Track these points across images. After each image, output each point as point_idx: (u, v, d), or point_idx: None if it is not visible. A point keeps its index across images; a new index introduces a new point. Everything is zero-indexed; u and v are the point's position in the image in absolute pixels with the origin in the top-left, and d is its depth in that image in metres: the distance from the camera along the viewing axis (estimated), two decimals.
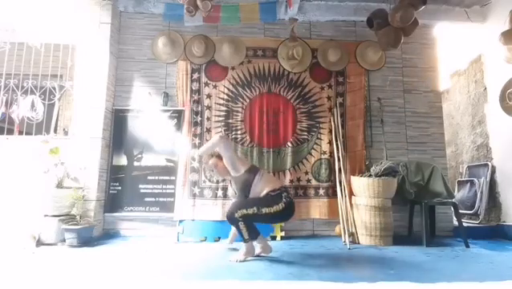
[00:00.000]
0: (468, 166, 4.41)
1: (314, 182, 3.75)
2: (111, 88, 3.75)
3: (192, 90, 3.88)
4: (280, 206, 2.51)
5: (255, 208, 2.48)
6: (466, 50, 4.57)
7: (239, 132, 3.82)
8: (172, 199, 3.63)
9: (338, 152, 3.66)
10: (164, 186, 3.67)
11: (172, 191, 3.65)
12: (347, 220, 3.39)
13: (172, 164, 3.72)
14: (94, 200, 3.38)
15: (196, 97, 3.87)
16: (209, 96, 3.87)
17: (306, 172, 3.77)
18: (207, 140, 3.77)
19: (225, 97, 3.88)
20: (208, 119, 3.83)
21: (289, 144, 3.81)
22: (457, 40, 4.72)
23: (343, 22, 4.11)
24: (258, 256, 2.65)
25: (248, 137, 3.81)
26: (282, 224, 3.55)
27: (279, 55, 3.95)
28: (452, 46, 4.78)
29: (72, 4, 3.68)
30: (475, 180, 4.06)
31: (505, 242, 3.48)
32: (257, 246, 2.65)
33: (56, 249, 2.92)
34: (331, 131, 3.81)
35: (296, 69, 3.92)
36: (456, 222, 3.48)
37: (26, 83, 3.66)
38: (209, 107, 3.85)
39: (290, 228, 3.61)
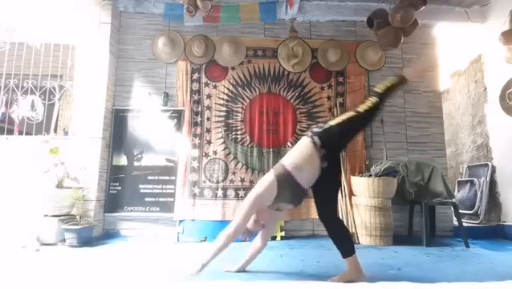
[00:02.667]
0: (468, 166, 4.41)
1: None
2: (111, 88, 3.75)
3: (192, 90, 3.88)
4: None
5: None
6: (466, 50, 4.56)
7: (239, 133, 3.81)
8: (172, 199, 3.63)
9: None
10: (164, 186, 3.67)
11: (172, 191, 3.65)
12: (347, 220, 3.39)
13: (172, 164, 3.72)
14: (94, 200, 3.38)
15: (196, 97, 3.87)
16: (209, 96, 3.87)
17: None
18: (207, 140, 3.78)
19: (225, 97, 3.88)
20: (208, 119, 3.83)
21: (289, 144, 3.80)
22: (457, 40, 4.72)
23: (343, 22, 4.11)
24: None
25: (248, 137, 3.81)
26: (282, 223, 3.55)
27: (279, 55, 3.94)
28: (452, 46, 4.78)
29: (72, 4, 3.68)
30: (475, 180, 4.06)
31: (505, 242, 3.48)
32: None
33: (56, 249, 2.91)
34: None
35: (296, 68, 3.92)
36: (456, 222, 3.48)
37: (26, 83, 3.66)
38: (209, 108, 3.85)
39: (290, 228, 3.61)
